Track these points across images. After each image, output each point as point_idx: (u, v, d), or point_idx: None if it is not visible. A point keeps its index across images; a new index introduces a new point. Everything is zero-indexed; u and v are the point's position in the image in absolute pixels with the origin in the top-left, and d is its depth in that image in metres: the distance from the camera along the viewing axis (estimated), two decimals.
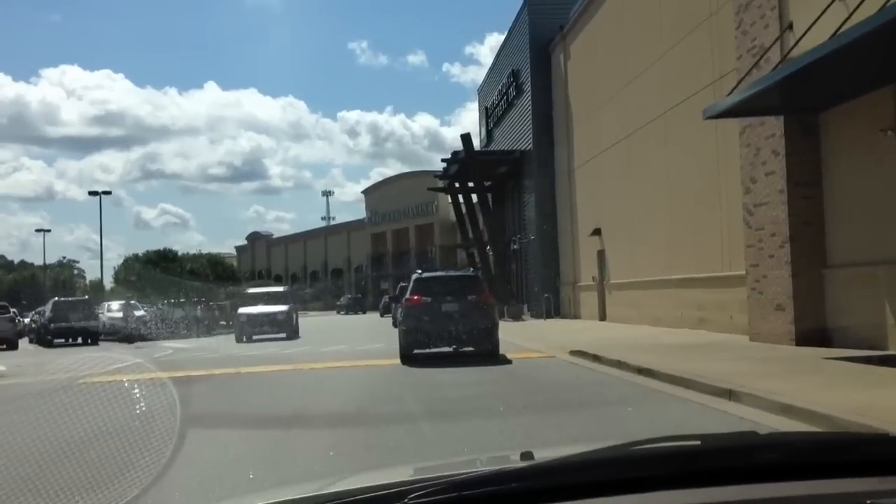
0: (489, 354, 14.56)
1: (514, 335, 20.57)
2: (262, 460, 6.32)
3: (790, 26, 12.86)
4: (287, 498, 1.52)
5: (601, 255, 26.42)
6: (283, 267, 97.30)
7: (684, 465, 1.51)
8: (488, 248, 38.56)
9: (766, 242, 13.52)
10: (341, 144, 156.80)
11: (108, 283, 55.48)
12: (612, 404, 8.55)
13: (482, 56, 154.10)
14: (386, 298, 48.55)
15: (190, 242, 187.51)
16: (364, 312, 64.06)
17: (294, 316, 27.49)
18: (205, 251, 44.94)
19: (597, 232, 26.39)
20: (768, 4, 13.45)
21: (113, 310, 36.30)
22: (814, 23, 11.24)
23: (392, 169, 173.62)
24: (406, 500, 1.38)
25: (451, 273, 19.44)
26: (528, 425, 7.43)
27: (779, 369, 9.60)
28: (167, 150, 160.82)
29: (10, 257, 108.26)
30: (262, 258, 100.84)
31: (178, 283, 37.97)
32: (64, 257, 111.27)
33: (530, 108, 33.62)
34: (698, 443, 1.66)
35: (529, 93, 33.68)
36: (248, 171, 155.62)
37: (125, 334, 31.79)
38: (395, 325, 24.31)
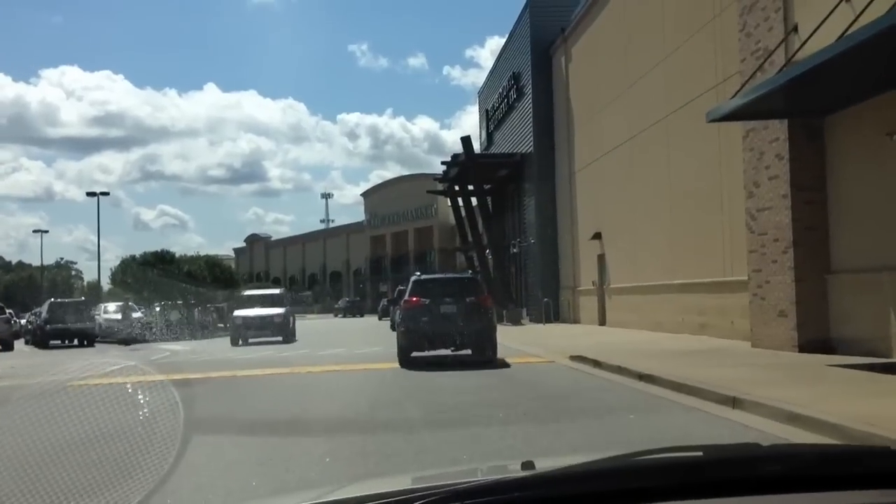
0: (487, 357, 14.54)
1: (514, 339, 20.42)
2: (256, 466, 6.16)
3: (795, 28, 12.73)
4: None
5: (601, 259, 26.28)
6: (281, 269, 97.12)
7: (687, 476, 1.50)
8: (488, 251, 38.41)
9: (769, 247, 13.38)
10: (341, 147, 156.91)
11: (106, 284, 55.30)
12: (613, 411, 8.39)
13: (482, 59, 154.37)
14: (384, 301, 48.36)
15: (189, 244, 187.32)
16: (362, 315, 63.89)
17: (291, 319, 27.06)
18: (203, 253, 44.71)
19: (597, 236, 26.25)
20: (773, 6, 13.32)
21: (110, 311, 36.15)
22: (820, 25, 11.10)
23: (391, 172, 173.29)
24: None
25: (450, 275, 19.40)
26: (529, 432, 7.27)
27: (782, 377, 9.45)
28: (167, 151, 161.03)
29: (7, 258, 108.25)
30: (261, 260, 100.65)
31: (176, 285, 37.75)
32: (62, 258, 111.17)
33: (531, 110, 33.50)
34: (701, 454, 1.65)
35: (530, 95, 33.57)
36: (248, 172, 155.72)
37: (122, 336, 31.65)
38: (393, 328, 24.18)
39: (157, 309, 36.94)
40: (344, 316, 65.68)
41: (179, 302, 38.34)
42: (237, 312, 27.11)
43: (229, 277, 43.40)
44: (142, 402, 5.62)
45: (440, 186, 43.51)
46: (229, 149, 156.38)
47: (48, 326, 31.46)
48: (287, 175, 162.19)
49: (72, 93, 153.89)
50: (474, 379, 12.08)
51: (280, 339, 25.47)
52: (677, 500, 1.44)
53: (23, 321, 41.40)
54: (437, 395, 10.20)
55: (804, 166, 12.85)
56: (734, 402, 7.82)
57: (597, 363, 12.87)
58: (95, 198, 55.33)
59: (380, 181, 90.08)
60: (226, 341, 27.07)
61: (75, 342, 31.50)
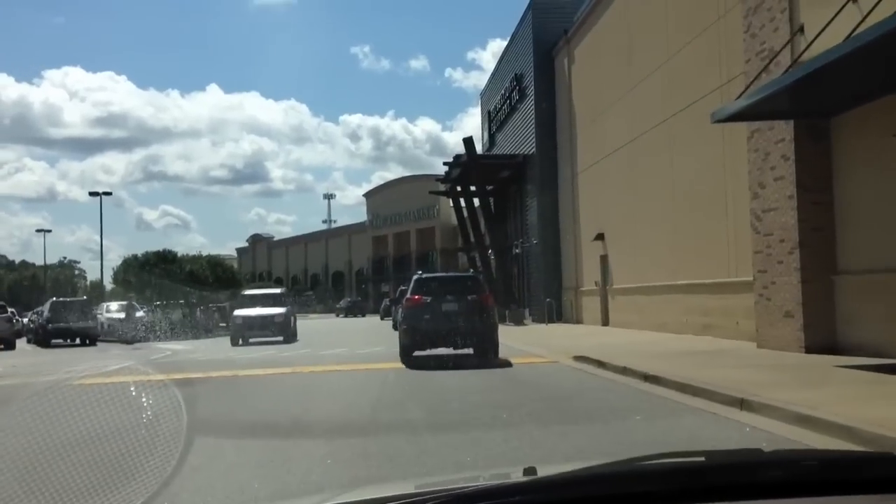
0: (488, 355, 14.57)
1: (517, 340, 20.33)
2: (256, 468, 6.07)
3: (801, 29, 12.64)
4: None
5: (604, 259, 26.19)
6: (283, 269, 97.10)
7: (689, 481, 1.51)
8: (490, 252, 38.32)
9: (775, 248, 13.28)
10: (343, 148, 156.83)
11: (109, 284, 55.28)
12: (619, 413, 8.29)
13: (484, 61, 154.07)
14: (386, 301, 48.29)
15: (191, 244, 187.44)
16: (363, 315, 63.83)
17: (292, 318, 26.73)
18: (206, 253, 44.58)
19: (600, 237, 26.16)
20: (778, 7, 13.23)
21: (112, 310, 36.12)
22: (826, 26, 11.00)
23: (393, 173, 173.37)
24: None
25: (452, 274, 19.46)
26: (533, 434, 7.17)
27: (790, 378, 9.35)
28: (169, 151, 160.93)
29: (11, 257, 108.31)
30: (263, 260, 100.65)
31: (178, 285, 37.69)
32: (65, 258, 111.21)
33: (533, 112, 33.41)
34: (703, 459, 1.65)
35: (533, 97, 33.48)
36: (250, 173, 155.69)
37: (123, 335, 31.61)
38: (395, 327, 24.12)
39: (159, 309, 36.88)
40: (345, 316, 65.63)
41: (181, 301, 38.27)
42: (237, 312, 26.62)
43: (231, 277, 43.30)
44: (143, 402, 5.56)
45: (442, 187, 43.42)
46: (232, 149, 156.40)
47: (50, 325, 31.43)
48: (289, 176, 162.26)
49: (75, 93, 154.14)
50: (477, 379, 11.99)
51: (281, 339, 25.22)
52: None
53: (25, 320, 41.40)
54: (439, 396, 10.12)
55: (810, 167, 12.75)
56: (742, 404, 7.71)
57: (601, 363, 12.78)
58: (98, 198, 55.36)
59: (382, 182, 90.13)
60: (228, 341, 26.98)
61: (77, 341, 31.47)
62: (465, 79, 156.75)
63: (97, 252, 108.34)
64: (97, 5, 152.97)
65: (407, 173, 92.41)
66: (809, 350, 12.17)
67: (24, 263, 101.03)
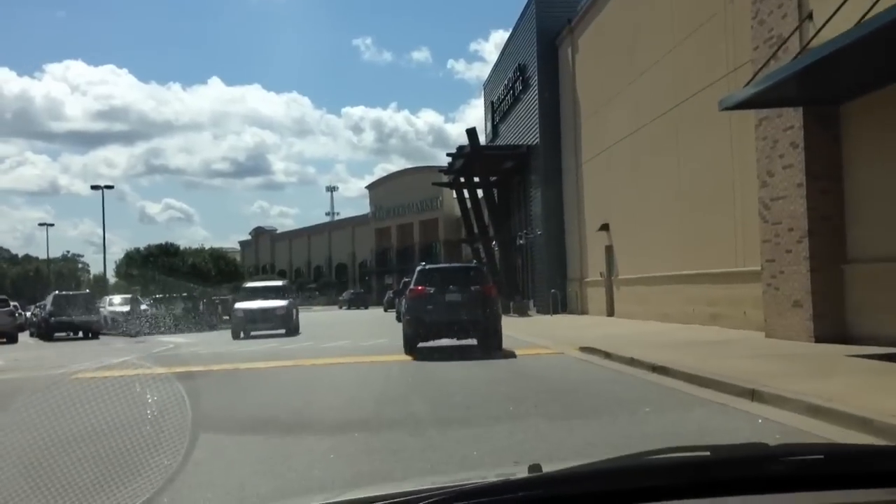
0: (491, 345, 14.58)
1: (521, 331, 20.20)
2: (257, 463, 5.94)
3: (810, 16, 12.42)
4: None
5: (609, 250, 26.01)
6: (286, 262, 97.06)
7: (694, 476, 1.50)
8: (494, 243, 38.15)
9: (784, 237, 13.10)
10: (345, 140, 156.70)
11: (112, 277, 55.21)
12: (627, 405, 8.13)
13: (487, 53, 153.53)
14: (390, 293, 48.20)
15: (194, 237, 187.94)
16: (366, 307, 63.74)
17: (294, 311, 26.32)
18: (209, 246, 44.50)
19: (605, 227, 25.98)
20: None
21: (115, 304, 36.05)
22: (836, 11, 10.79)
23: (396, 165, 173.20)
24: None
25: (455, 265, 19.47)
26: (540, 427, 7.02)
27: (801, 368, 9.18)
28: (171, 145, 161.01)
29: (14, 251, 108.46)
30: (266, 253, 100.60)
31: (180, 278, 37.61)
32: (68, 251, 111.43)
33: (537, 102, 33.17)
34: (708, 453, 1.63)
35: (536, 87, 33.23)
36: (252, 166, 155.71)
37: (126, 328, 31.53)
38: (398, 319, 24.01)
39: (162, 302, 36.80)
40: (348, 308, 65.54)
41: (184, 295, 38.19)
42: (238, 305, 26.16)
43: (234, 270, 43.24)
44: (145, 396, 5.42)
45: (445, 178, 43.25)
46: (234, 142, 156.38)
47: (52, 319, 31.39)
48: (292, 168, 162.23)
49: (76, 87, 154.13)
50: (482, 371, 11.85)
51: (283, 331, 24.96)
52: (684, 500, 1.45)
53: (28, 314, 41.38)
54: (444, 389, 9.97)
55: (819, 155, 12.56)
56: (753, 395, 7.55)
57: (607, 354, 12.63)
58: (100, 191, 55.22)
59: (385, 174, 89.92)
60: (230, 334, 26.86)
61: (80, 334, 31.42)
62: (467, 70, 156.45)
63: (100, 245, 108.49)
64: None
65: (410, 165, 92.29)
66: (819, 340, 12.01)
67: (27, 257, 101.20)
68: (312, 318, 39.63)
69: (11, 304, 32.93)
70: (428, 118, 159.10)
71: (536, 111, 33.28)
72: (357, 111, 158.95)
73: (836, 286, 12.27)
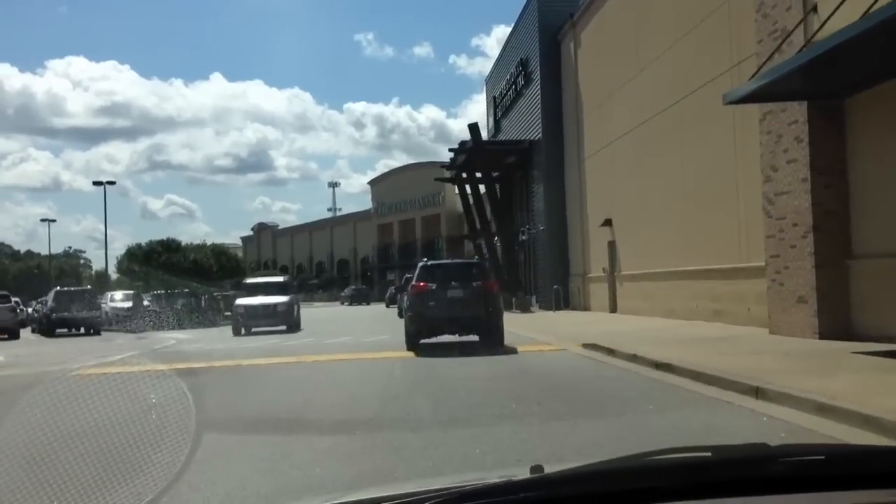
0: (493, 342, 14.60)
1: (524, 327, 20.13)
2: (258, 461, 5.87)
3: (814, 8, 12.33)
4: None
5: (612, 245, 25.92)
6: (288, 258, 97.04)
7: (694, 477, 1.51)
8: (496, 239, 38.05)
9: (788, 232, 13.01)
10: (347, 136, 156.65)
11: (114, 273, 55.17)
12: (631, 402, 8.05)
13: (489, 48, 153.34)
14: (392, 289, 48.15)
15: (196, 233, 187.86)
16: (368, 303, 63.67)
17: (295, 307, 26.01)
18: (211, 242, 44.34)
19: (608, 222, 25.87)
20: None
21: (116, 300, 36.04)
22: (840, 3, 10.68)
23: (398, 161, 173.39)
24: None
25: (457, 261, 19.53)
26: (543, 425, 6.95)
27: (806, 365, 9.10)
28: (173, 141, 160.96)
29: (16, 247, 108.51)
30: (268, 249, 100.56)
31: (182, 274, 37.54)
32: (70, 247, 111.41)
33: (539, 97, 33.03)
34: (708, 454, 1.63)
35: (538, 82, 33.09)
36: (254, 162, 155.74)
37: (128, 324, 31.51)
38: (400, 315, 23.94)
39: (163, 298, 36.76)
40: (350, 304, 65.47)
41: (186, 291, 38.14)
42: (239, 301, 25.87)
43: (236, 266, 43.17)
44: (145, 393, 5.35)
45: (447, 174, 43.13)
46: (236, 138, 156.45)
47: (54, 315, 31.38)
48: (294, 164, 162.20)
49: (78, 83, 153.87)
50: (485, 368, 11.78)
51: (284, 328, 24.73)
52: (685, 501, 1.46)
53: (29, 310, 41.37)
54: (447, 386, 9.90)
55: (824, 149, 12.47)
56: (758, 393, 7.47)
57: (610, 351, 12.55)
58: (102, 187, 55.17)
59: (387, 170, 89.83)
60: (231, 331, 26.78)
61: (81, 331, 31.41)
62: (469, 65, 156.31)
63: (102, 242, 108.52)
64: None
65: (412, 161, 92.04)
66: (823, 336, 11.93)
67: (29, 253, 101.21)
68: (314, 314, 39.58)
69: (13, 300, 32.92)
70: (430, 114, 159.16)
71: (539, 106, 33.14)
72: (359, 107, 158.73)
73: (840, 282, 12.18)
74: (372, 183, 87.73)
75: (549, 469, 1.60)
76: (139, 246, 39.55)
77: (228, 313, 35.06)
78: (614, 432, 6.50)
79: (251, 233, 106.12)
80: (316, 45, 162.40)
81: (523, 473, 1.61)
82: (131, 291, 36.54)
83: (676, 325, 17.27)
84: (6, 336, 29.10)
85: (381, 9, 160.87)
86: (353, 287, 73.22)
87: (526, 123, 35.86)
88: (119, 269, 42.06)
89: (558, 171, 31.93)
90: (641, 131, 22.40)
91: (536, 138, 33.77)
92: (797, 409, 6.76)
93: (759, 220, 14.25)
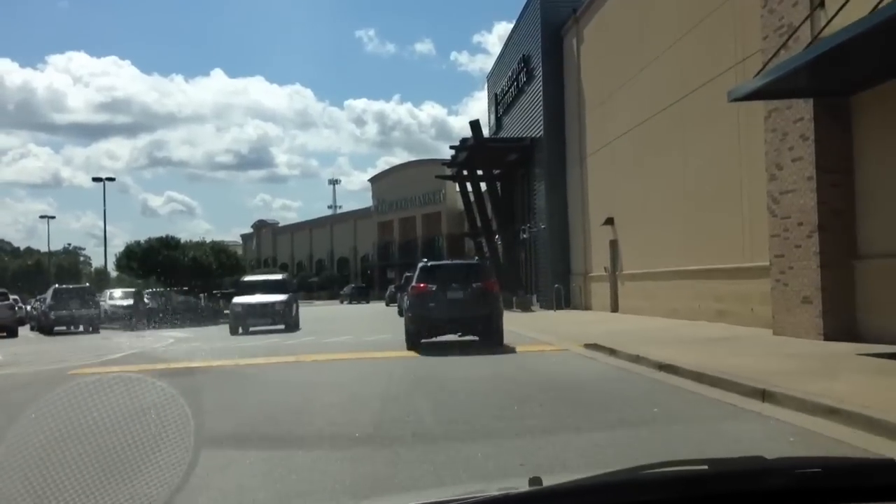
0: (493, 342, 14.64)
1: (525, 326, 20.00)
2: (255, 464, 5.74)
3: (821, 4, 12.16)
4: None
5: (614, 244, 25.77)
6: (288, 255, 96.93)
7: (691, 490, 1.52)
8: (497, 237, 37.91)
9: (793, 232, 12.87)
10: (348, 133, 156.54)
11: (113, 270, 55.08)
12: (634, 404, 7.91)
13: (490, 45, 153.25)
14: (392, 288, 48.05)
15: (196, 230, 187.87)
16: (368, 302, 63.53)
17: (294, 306, 25.58)
18: (211, 239, 44.17)
19: (609, 221, 25.73)
20: None
21: (115, 297, 35.91)
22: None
23: (399, 158, 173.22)
24: None
25: (457, 261, 19.61)
26: (545, 427, 6.81)
27: (811, 366, 8.96)
28: (174, 137, 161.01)
29: (16, 244, 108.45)
30: (268, 246, 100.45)
31: (181, 271, 37.42)
32: (69, 244, 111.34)
33: (541, 94, 32.87)
34: (705, 467, 1.64)
35: (540, 78, 32.93)
36: (255, 159, 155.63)
37: (127, 322, 31.40)
38: (400, 314, 23.80)
39: (162, 295, 36.61)
40: (349, 302, 65.30)
41: (185, 289, 38.02)
42: (236, 300, 25.30)
43: (236, 264, 43.03)
44: (143, 394, 5.22)
45: (448, 171, 43.00)
46: (236, 135, 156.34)
47: (52, 313, 31.24)
48: (294, 161, 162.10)
49: (79, 79, 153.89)
50: (486, 368, 11.64)
51: (282, 327, 24.33)
52: None
53: (28, 307, 41.24)
54: (447, 387, 9.76)
55: (830, 147, 12.32)
56: (763, 395, 7.33)
57: (612, 351, 12.41)
58: (102, 183, 55.04)
59: (387, 167, 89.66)
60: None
61: (80, 328, 31.28)
62: (470, 62, 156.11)
63: (102, 238, 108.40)
64: None
65: (412, 158, 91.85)
66: (828, 337, 11.79)
67: (28, 250, 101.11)
68: (314, 312, 39.46)
69: (11, 297, 32.79)
70: (431, 111, 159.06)
71: (540, 103, 32.98)
72: (360, 104, 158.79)
73: (846, 282, 12.04)
74: (372, 180, 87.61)
75: (547, 481, 1.60)
76: (138, 243, 39.40)
77: (227, 311, 34.96)
78: (619, 436, 6.36)
79: (251, 230, 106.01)
80: (317, 42, 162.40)
81: (522, 485, 1.61)
82: (132, 289, 36.39)
83: (679, 326, 17.13)
84: (5, 334, 28.98)
85: (383, 5, 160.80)
86: (352, 285, 73.05)
87: (528, 121, 35.70)
88: (118, 266, 41.91)
89: (560, 168, 31.78)
90: (644, 129, 22.25)
91: (538, 136, 33.61)
92: (804, 413, 6.62)
93: (763, 219, 14.11)
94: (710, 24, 17.74)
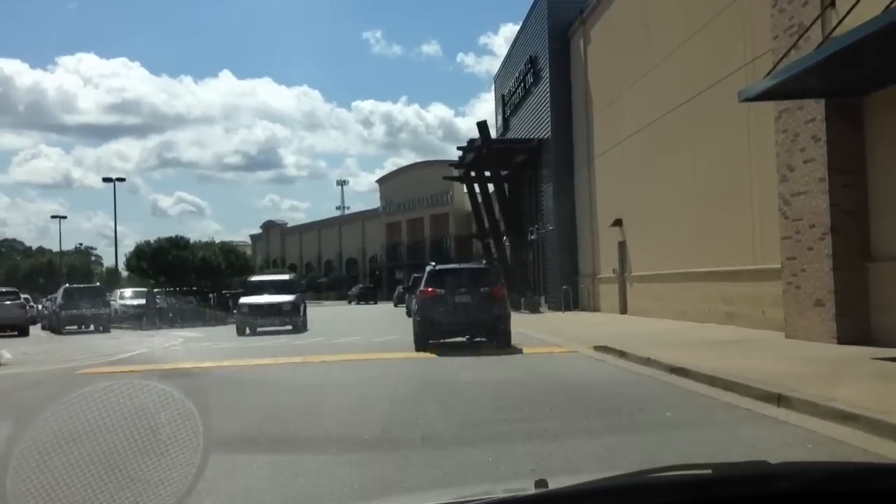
0: (500, 345, 14.71)
1: (533, 328, 19.92)
2: (262, 468, 5.69)
3: (832, 3, 12.05)
4: None
5: (622, 246, 25.65)
6: (297, 256, 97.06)
7: (696, 494, 1.52)
8: (504, 238, 37.82)
9: (805, 234, 12.74)
10: (356, 134, 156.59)
11: (123, 270, 55.25)
12: (646, 408, 7.83)
13: (496, 46, 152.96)
14: (400, 289, 48.03)
15: (206, 231, 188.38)
16: (376, 302, 63.50)
17: (302, 306, 25.32)
18: (220, 239, 44.19)
19: (618, 222, 25.61)
20: None
21: (126, 297, 36.00)
22: None
23: (406, 159, 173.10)
24: None
25: (465, 266, 19.68)
26: (558, 431, 6.74)
27: (826, 371, 8.84)
28: (183, 138, 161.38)
29: (28, 244, 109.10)
30: (277, 247, 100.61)
31: (190, 271, 37.47)
32: (81, 244, 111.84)
33: (548, 95, 32.77)
34: (710, 471, 1.64)
35: (548, 79, 32.83)
36: (263, 160, 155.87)
37: (137, 322, 31.47)
38: (409, 314, 23.76)
39: (172, 295, 36.69)
40: (357, 303, 65.29)
41: (194, 289, 38.07)
42: (243, 300, 25.06)
43: (244, 264, 43.05)
44: (151, 395, 5.19)
45: (456, 172, 42.92)
46: (245, 136, 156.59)
47: (63, 312, 31.34)
48: (302, 162, 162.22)
49: (89, 80, 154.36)
50: (495, 371, 11.57)
51: (290, 328, 24.10)
52: None
53: (39, 306, 41.41)
54: (457, 390, 9.70)
55: (842, 148, 12.19)
56: (779, 400, 7.23)
57: (622, 354, 12.32)
58: (112, 184, 55.24)
59: (395, 168, 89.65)
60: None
61: (91, 328, 31.36)
62: (477, 64, 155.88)
63: (113, 238, 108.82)
64: None
65: (420, 159, 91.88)
66: (842, 341, 11.66)
67: (40, 249, 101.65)
68: (322, 313, 39.46)
69: (22, 296, 32.92)
70: (438, 112, 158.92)
71: (548, 104, 32.88)
72: (367, 105, 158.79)
73: (859, 285, 11.90)
74: (380, 181, 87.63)
75: (553, 484, 1.61)
76: (147, 243, 39.47)
77: (237, 311, 34.96)
78: (632, 441, 6.28)
79: (260, 231, 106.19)
80: (324, 44, 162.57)
81: (529, 487, 1.61)
82: (143, 289, 36.44)
83: (688, 328, 17.02)
84: (16, 333, 29.08)
85: (389, 7, 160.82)
86: (360, 286, 73.04)
87: (535, 122, 35.60)
88: (128, 266, 42.01)
89: (568, 169, 31.66)
90: (653, 130, 22.13)
91: (545, 137, 33.51)
92: (822, 419, 6.51)
93: (773, 220, 13.99)
94: (718, 24, 17.63)
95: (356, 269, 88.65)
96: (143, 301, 33.67)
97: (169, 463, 3.85)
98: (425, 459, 5.79)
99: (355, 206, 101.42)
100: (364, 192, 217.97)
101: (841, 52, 10.01)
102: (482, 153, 35.85)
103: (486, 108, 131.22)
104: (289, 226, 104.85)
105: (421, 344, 15.07)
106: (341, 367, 13.21)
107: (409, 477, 5.29)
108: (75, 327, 31.46)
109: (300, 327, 24.59)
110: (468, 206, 44.90)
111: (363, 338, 19.89)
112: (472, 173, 39.07)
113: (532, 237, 36.72)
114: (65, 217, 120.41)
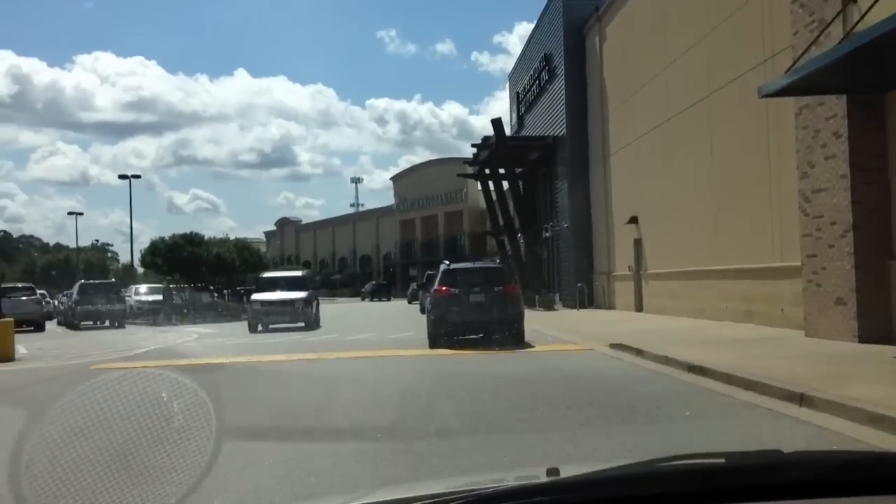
0: (514, 343, 14.63)
1: (548, 325, 19.79)
2: (274, 465, 5.63)
3: None
4: None
5: (638, 243, 25.44)
6: (311, 253, 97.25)
7: (708, 483, 1.52)
8: (519, 235, 37.66)
9: (826, 231, 12.54)
10: (370, 132, 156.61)
11: (139, 266, 55.59)
12: (665, 407, 7.70)
13: (511, 45, 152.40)
14: (414, 286, 48.02)
15: (221, 227, 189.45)
16: (389, 299, 63.49)
17: (314, 303, 25.02)
18: (235, 236, 44.45)
19: (633, 220, 25.40)
20: None
21: (141, 293, 36.21)
22: None
23: (420, 157, 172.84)
24: None
25: (478, 265, 19.60)
26: (574, 430, 6.63)
27: (849, 370, 8.67)
28: (199, 136, 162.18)
29: (45, 240, 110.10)
30: (291, 244, 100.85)
31: (205, 268, 37.61)
32: (97, 240, 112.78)
33: (563, 92, 32.56)
34: (722, 460, 1.64)
35: (562, 77, 32.61)
36: (278, 157, 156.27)
37: (151, 318, 31.62)
38: (422, 311, 23.69)
39: (186, 291, 36.84)
40: (371, 300, 65.28)
41: (209, 286, 38.22)
42: (255, 296, 24.59)
43: (259, 261, 43.18)
44: (164, 390, 5.13)
45: (470, 170, 42.80)
46: (260, 134, 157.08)
47: (78, 308, 31.54)
48: (317, 160, 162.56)
49: (105, 78, 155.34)
50: (510, 368, 11.46)
51: (302, 325, 23.85)
52: None
53: (55, 302, 41.71)
54: (471, 387, 9.60)
55: (864, 144, 11.98)
56: (802, 400, 7.08)
57: (639, 352, 12.18)
58: (128, 181, 55.52)
59: (409, 166, 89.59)
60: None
61: (106, 323, 31.55)
62: (491, 62, 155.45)
63: (129, 235, 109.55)
64: None
65: (434, 157, 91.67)
66: (863, 339, 11.46)
67: (57, 246, 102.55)
68: (335, 310, 39.48)
69: (38, 292, 33.16)
70: (452, 110, 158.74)
71: (563, 101, 32.67)
72: (381, 103, 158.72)
73: (881, 283, 11.70)
74: (394, 179, 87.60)
75: (564, 472, 1.62)
76: (163, 240, 39.67)
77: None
78: (650, 440, 6.17)
79: (275, 228, 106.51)
80: (339, 42, 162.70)
81: (541, 475, 1.63)
82: (158, 285, 36.60)
83: (705, 326, 16.83)
84: (32, 328, 29.28)
85: (404, 6, 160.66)
86: (373, 282, 73.01)
87: (550, 119, 35.40)
88: (143, 262, 42.26)
89: (583, 167, 31.46)
90: (669, 126, 21.91)
91: (560, 134, 33.31)
92: (846, 419, 6.37)
93: (793, 218, 13.79)
94: (737, 19, 17.40)
95: (370, 266, 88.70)
96: (157, 297, 33.81)
97: (182, 451, 3.80)
98: (439, 459, 5.71)
99: (369, 204, 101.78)
100: (378, 189, 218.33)
101: (862, 48, 9.84)
102: (497, 150, 35.68)
103: (500, 105, 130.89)
104: (303, 223, 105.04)
105: (435, 342, 15.06)
106: (355, 364, 13.16)
107: (422, 476, 5.21)
108: (91, 323, 31.65)
109: (312, 324, 24.40)
110: (482, 203, 44.75)
111: (377, 334, 19.84)
112: (487, 171, 38.92)
113: (547, 234, 36.54)
114: (81, 214, 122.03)
